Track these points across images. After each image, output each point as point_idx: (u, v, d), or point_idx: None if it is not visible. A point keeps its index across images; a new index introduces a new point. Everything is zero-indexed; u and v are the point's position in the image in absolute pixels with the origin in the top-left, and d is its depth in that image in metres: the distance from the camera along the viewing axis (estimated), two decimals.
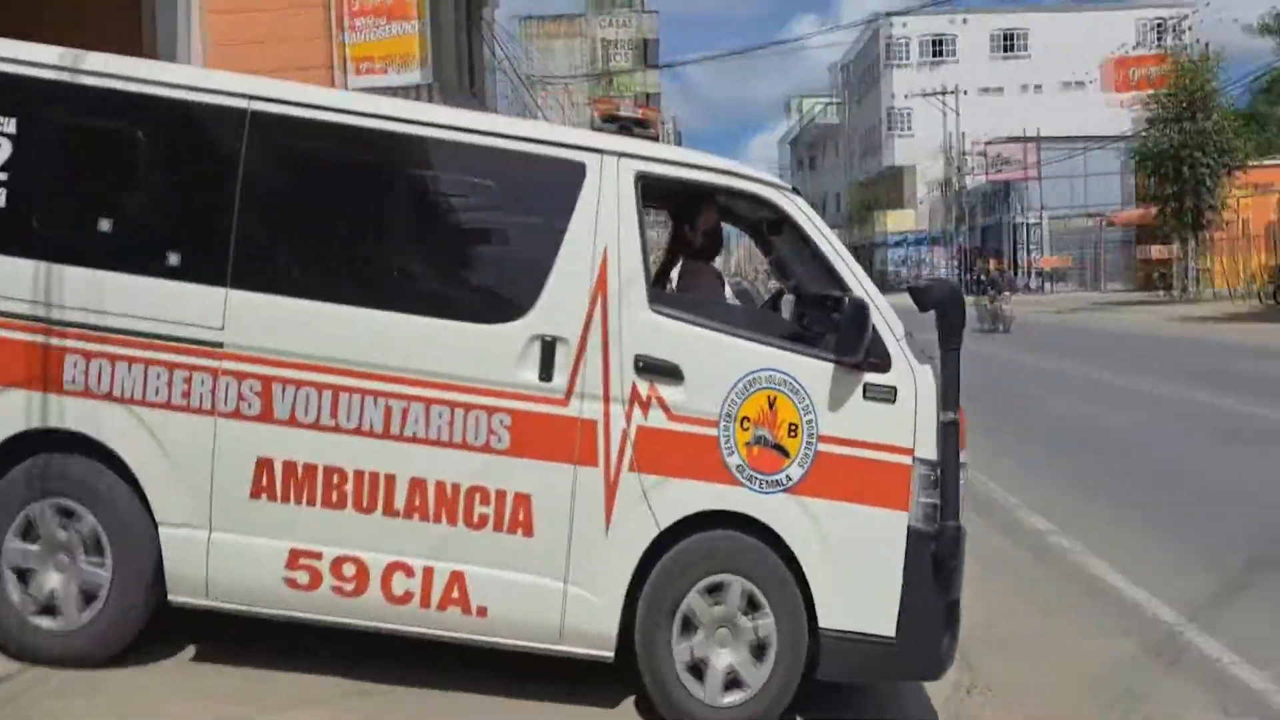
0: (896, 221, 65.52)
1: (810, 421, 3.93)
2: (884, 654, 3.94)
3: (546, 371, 3.92)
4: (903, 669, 4.10)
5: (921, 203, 63.02)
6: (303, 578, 3.94)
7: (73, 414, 3.91)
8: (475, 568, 3.94)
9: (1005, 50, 63.00)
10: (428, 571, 3.93)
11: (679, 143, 66.78)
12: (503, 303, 4.05)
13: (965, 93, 52.00)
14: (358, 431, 3.92)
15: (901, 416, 3.94)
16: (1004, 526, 7.76)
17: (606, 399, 3.94)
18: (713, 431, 3.92)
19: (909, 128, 63.24)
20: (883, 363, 3.94)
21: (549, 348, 3.93)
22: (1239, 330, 21.41)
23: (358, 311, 3.97)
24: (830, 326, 3.96)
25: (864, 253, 72.34)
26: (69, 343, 3.91)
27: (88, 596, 3.97)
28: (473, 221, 4.41)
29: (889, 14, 53.27)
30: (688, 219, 4.76)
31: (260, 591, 3.98)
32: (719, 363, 3.97)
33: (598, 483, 3.93)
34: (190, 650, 4.33)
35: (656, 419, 3.94)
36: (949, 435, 3.91)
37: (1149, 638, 5.34)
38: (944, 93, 49.02)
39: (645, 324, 3.97)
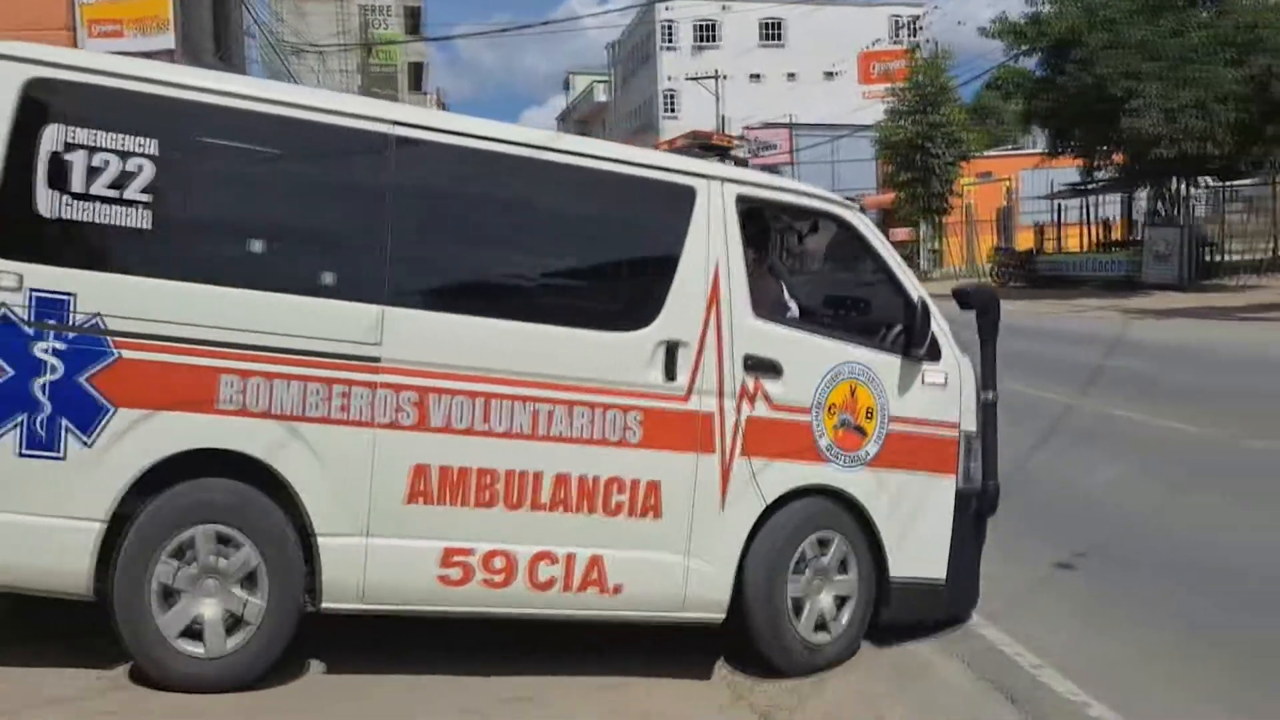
0: None
1: (883, 405, 4.74)
2: (936, 595, 4.88)
3: (670, 372, 4.41)
4: (948, 606, 4.99)
5: None
6: (455, 574, 4.17)
7: (229, 433, 3.94)
8: (612, 551, 4.35)
9: (767, 39, 65.88)
10: (570, 558, 4.30)
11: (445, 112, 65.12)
12: (633, 312, 4.48)
13: (727, 78, 53.95)
14: (507, 434, 4.21)
15: (951, 398, 4.88)
16: None
17: (721, 394, 4.47)
18: (806, 418, 4.61)
19: (677, 110, 65.00)
20: (936, 354, 4.83)
21: (672, 351, 4.43)
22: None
23: (503, 324, 4.27)
24: (868, 324, 5.03)
25: None
26: (223, 363, 3.92)
27: (235, 622, 3.97)
28: (602, 239, 4.78)
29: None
30: (763, 231, 5.19)
31: (414, 591, 4.19)
32: (810, 359, 4.67)
33: (714, 468, 4.46)
34: None
35: (761, 410, 4.54)
36: (989, 412, 4.96)
37: None
38: (709, 77, 50.66)
39: (750, 328, 4.56)
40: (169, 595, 3.92)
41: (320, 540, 4.03)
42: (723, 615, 4.53)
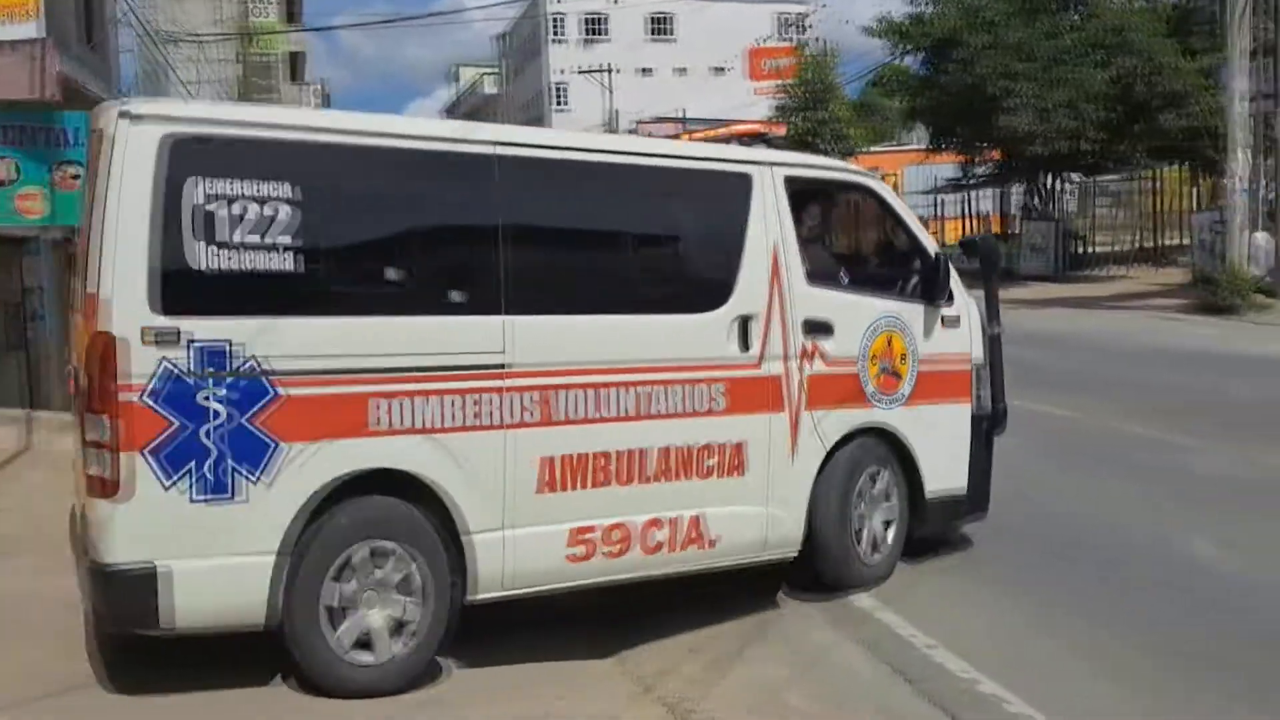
0: None
1: (913, 350, 5.50)
2: (958, 505, 5.79)
3: (745, 343, 4.97)
4: (968, 512, 5.87)
5: None
6: (580, 551, 4.61)
7: (381, 453, 4.18)
8: (709, 509, 4.90)
9: (657, 34, 66.17)
10: (674, 521, 4.81)
11: (327, 105, 63.66)
12: (710, 294, 4.95)
13: (619, 71, 54.06)
14: (616, 419, 4.66)
15: (963, 335, 5.72)
16: None
17: (786, 357, 5.08)
18: (854, 369, 5.31)
19: (567, 103, 64.78)
20: (951, 298, 5.59)
21: (745, 324, 4.97)
22: None
23: (605, 319, 4.71)
24: (894, 277, 5.74)
25: None
26: (371, 388, 4.15)
27: (398, 627, 4.22)
28: (679, 230, 5.21)
29: None
30: (805, 206, 5.56)
31: (547, 572, 4.58)
32: (855, 317, 5.34)
33: (785, 424, 5.09)
34: None
35: (819, 367, 5.18)
36: (995, 344, 5.85)
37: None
38: (599, 70, 50.62)
39: (806, 295, 5.15)
40: (338, 612, 4.12)
41: (468, 539, 4.36)
42: (797, 551, 5.25)
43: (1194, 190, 26.25)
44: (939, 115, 24.45)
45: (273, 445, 3.99)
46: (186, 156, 3.92)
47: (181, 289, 3.90)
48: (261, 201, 4.00)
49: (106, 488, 3.85)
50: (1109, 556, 5.82)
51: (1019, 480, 7.42)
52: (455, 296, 4.41)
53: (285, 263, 4.04)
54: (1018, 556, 5.98)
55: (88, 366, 3.93)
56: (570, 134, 5.37)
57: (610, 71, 50.13)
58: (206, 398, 3.90)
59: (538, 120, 68.97)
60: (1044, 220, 24.62)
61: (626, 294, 4.93)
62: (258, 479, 3.97)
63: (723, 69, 61.12)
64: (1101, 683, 4.37)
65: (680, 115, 48.09)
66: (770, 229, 5.09)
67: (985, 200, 30.12)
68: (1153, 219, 26.58)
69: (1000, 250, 5.27)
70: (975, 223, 30.80)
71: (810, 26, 44.73)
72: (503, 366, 4.41)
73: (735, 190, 5.08)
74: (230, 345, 3.93)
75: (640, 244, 5.18)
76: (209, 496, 3.92)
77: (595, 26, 65.44)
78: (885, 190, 5.88)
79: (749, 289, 5.00)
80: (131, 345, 3.80)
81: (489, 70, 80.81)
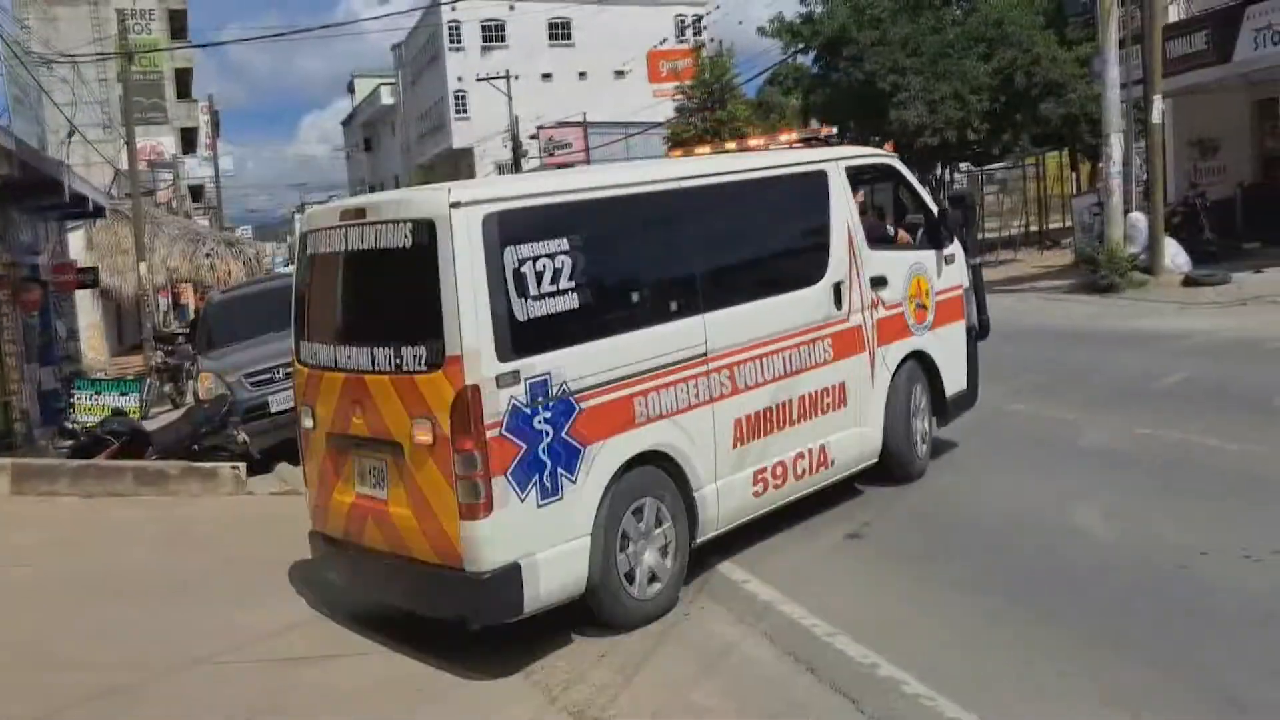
0: None
1: (932, 286, 7.17)
2: (963, 398, 7.60)
3: (839, 304, 6.47)
4: (971, 402, 7.72)
5: None
6: (759, 488, 6.02)
7: (646, 439, 5.36)
8: (829, 438, 6.41)
9: (556, 39, 66.04)
10: (810, 452, 6.30)
11: (215, 121, 61.85)
12: (817, 269, 6.44)
13: (518, 78, 53.78)
14: (773, 379, 6.05)
15: (958, 269, 7.45)
16: None
17: (862, 309, 6.61)
18: (900, 310, 6.93)
19: (466, 111, 64.23)
20: (950, 242, 7.34)
21: (838, 289, 6.47)
22: None
23: (758, 303, 6.04)
24: (911, 229, 7.62)
25: None
26: (634, 389, 5.31)
27: (659, 570, 5.43)
28: (791, 223, 6.68)
29: (438, 2, 53.50)
30: (858, 187, 7.04)
31: (740, 509, 5.96)
32: (898, 269, 6.94)
33: (865, 362, 6.66)
34: None
35: (881, 312, 6.75)
36: (976, 271, 7.72)
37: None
38: (498, 77, 50.30)
39: (869, 257, 6.70)
40: (625, 564, 5.28)
41: (698, 493, 5.63)
42: (876, 459, 6.87)
43: (1074, 175, 27.30)
44: (832, 111, 24.94)
45: (581, 449, 5.08)
46: (501, 229, 4.89)
47: (514, 339, 4.86)
48: (551, 256, 5.04)
49: (479, 510, 4.74)
50: (997, 532, 6.04)
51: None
52: (673, 306, 5.62)
53: (571, 302, 5.09)
54: (910, 539, 6.17)
55: (455, 415, 4.72)
56: (718, 159, 6.79)
57: (509, 78, 49.83)
58: (539, 422, 4.93)
59: (439, 129, 68.34)
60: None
61: (767, 281, 6.28)
62: (574, 479, 5.04)
63: (624, 72, 61.33)
64: (994, 657, 4.53)
65: (582, 120, 48.30)
66: (842, 210, 6.61)
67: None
68: (1038, 204, 27.55)
69: (975, 198, 8.47)
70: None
71: (705, 28, 45.24)
72: (704, 354, 5.68)
73: (818, 184, 6.60)
74: (550, 376, 4.97)
75: (769, 239, 6.48)
76: (547, 500, 4.94)
77: (493, 33, 65.00)
78: (901, 165, 7.63)
79: (838, 260, 6.50)
80: (488, 391, 4.74)
81: (386, 81, 79.66)
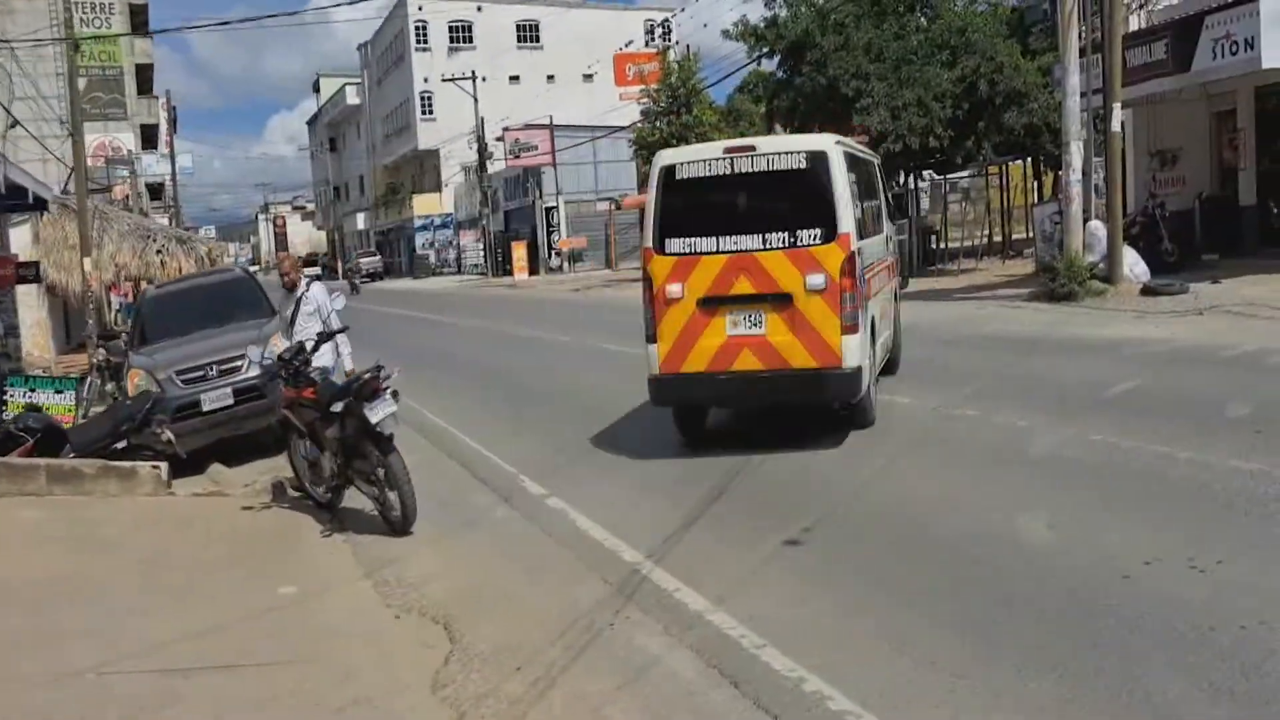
0: (425, 205, 65.74)
1: (894, 250, 11.28)
2: (898, 349, 10.74)
3: (888, 249, 10.44)
4: (898, 359, 10.81)
5: (446, 186, 63.79)
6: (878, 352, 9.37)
7: (874, 306, 9.14)
8: (886, 334, 9.86)
9: (524, 41, 65.67)
10: (887, 338, 9.94)
11: (173, 118, 60.88)
12: (884, 224, 10.43)
13: (485, 79, 53.37)
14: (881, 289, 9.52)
15: (893, 243, 10.95)
16: (502, 491, 8.16)
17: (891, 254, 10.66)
18: (891, 260, 10.97)
19: (432, 112, 63.68)
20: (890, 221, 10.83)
21: (887, 239, 10.63)
22: None
23: (873, 239, 9.22)
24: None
25: (394, 235, 72.13)
26: (872, 273, 9.08)
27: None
28: (875, 190, 10.22)
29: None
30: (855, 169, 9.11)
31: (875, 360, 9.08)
32: (890, 234, 10.85)
33: (894, 284, 10.99)
34: None
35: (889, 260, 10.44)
36: (901, 245, 12.49)
37: (615, 577, 5.87)
38: (463, 78, 49.88)
39: (886, 222, 10.48)
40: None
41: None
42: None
43: (1037, 184, 27.36)
44: (796, 116, 24.81)
45: (866, 302, 8.47)
46: (847, 162, 8.63)
47: (857, 227, 8.35)
48: (855, 184, 8.73)
49: (854, 329, 7.98)
50: (939, 541, 5.79)
51: (857, 471, 7.44)
52: (872, 227, 9.61)
53: (859, 213, 8.72)
54: (850, 547, 5.91)
55: (845, 268, 7.93)
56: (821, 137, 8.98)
57: (476, 79, 49.42)
58: (861, 282, 8.31)
59: (404, 129, 67.74)
60: (900, 217, 25.24)
61: (875, 225, 9.72)
62: (864, 320, 8.35)
63: (592, 76, 61.10)
64: (925, 671, 4.27)
65: (548, 122, 47.99)
66: (845, 184, 8.14)
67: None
68: (1001, 213, 27.58)
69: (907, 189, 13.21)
70: None
71: (670, 30, 45.07)
72: (873, 263, 9.11)
73: (821, 162, 8.13)
74: (862, 254, 8.45)
75: (872, 198, 9.84)
76: (861, 330, 8.15)
77: (460, 34, 64.58)
78: (876, 159, 11.16)
79: (845, 222, 8.03)
80: (857, 256, 8.26)
81: (352, 80, 78.87)
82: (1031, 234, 22.55)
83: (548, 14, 64.89)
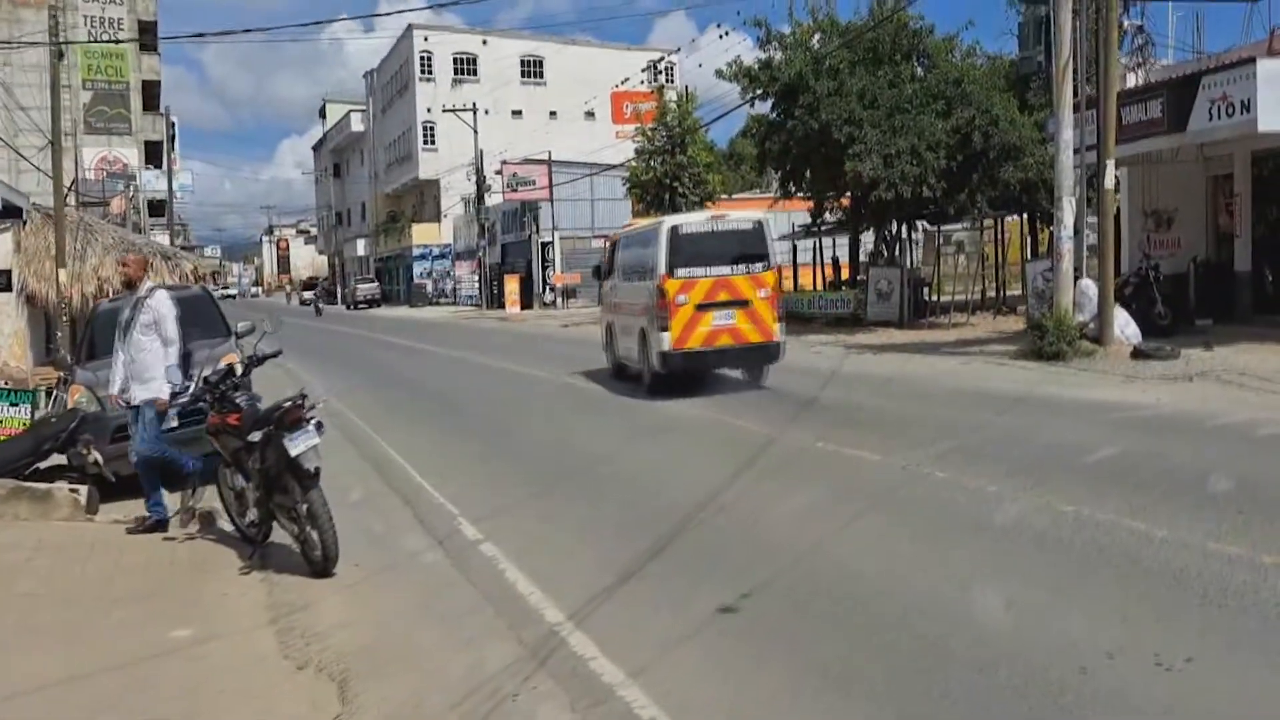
0: (424, 234, 65.65)
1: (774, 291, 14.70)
2: (779, 349, 14.16)
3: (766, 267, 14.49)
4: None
5: (446, 216, 63.71)
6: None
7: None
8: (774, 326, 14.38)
9: (528, 76, 65.91)
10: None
11: (172, 138, 60.82)
12: (765, 263, 14.21)
13: (487, 112, 53.39)
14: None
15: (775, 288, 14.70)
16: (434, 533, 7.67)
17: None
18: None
19: (434, 142, 63.71)
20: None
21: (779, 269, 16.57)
22: None
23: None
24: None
25: (394, 263, 71.89)
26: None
27: None
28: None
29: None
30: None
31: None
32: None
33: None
34: None
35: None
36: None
37: (532, 638, 5.37)
38: (464, 110, 49.84)
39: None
40: None
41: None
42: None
43: (1032, 240, 27.05)
44: (787, 159, 24.54)
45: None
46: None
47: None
48: None
49: (780, 319, 14.14)
50: (885, 616, 5.27)
51: (811, 530, 6.93)
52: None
53: None
54: (787, 617, 5.39)
55: (775, 286, 14.35)
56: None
57: (477, 111, 49.37)
58: None
59: (406, 158, 67.76)
60: (890, 267, 24.91)
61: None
62: None
63: (593, 113, 61.17)
64: None
65: (546, 157, 47.90)
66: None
67: (841, 248, 30.47)
68: (995, 268, 27.23)
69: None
70: (829, 268, 31.11)
71: (673, 72, 45.08)
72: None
73: (764, 230, 14.43)
74: None
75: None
76: (782, 320, 14.67)
77: (465, 66, 64.80)
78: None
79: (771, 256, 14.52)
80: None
81: (357, 107, 79.09)
82: (1025, 291, 22.17)
83: (552, 50, 65.19)
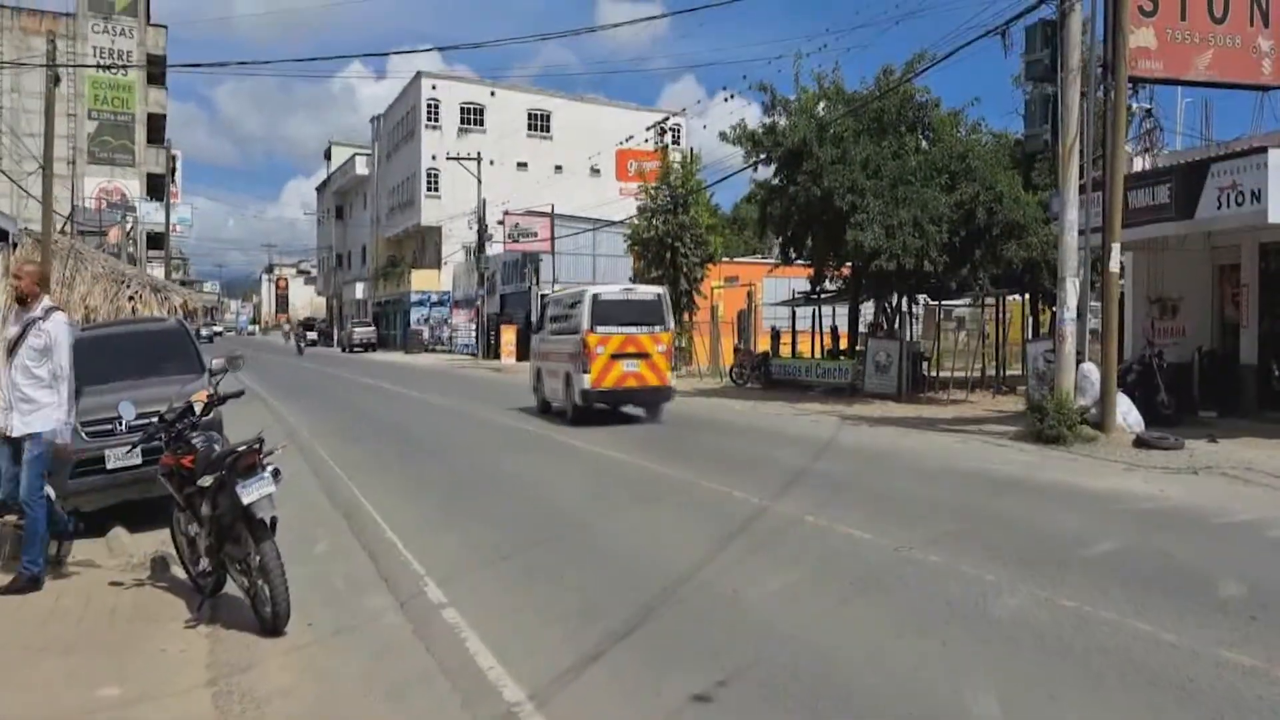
0: (424, 281, 65.60)
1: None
2: (671, 391, 19.20)
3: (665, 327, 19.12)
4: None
5: (446, 263, 63.71)
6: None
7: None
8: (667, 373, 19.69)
9: (535, 130, 66.42)
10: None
11: (172, 171, 61.03)
12: (664, 325, 19.04)
13: (492, 162, 53.60)
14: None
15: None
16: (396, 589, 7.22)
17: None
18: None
19: (437, 189, 63.96)
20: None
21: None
22: (699, 404, 23.51)
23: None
24: None
25: (392, 308, 71.75)
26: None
27: None
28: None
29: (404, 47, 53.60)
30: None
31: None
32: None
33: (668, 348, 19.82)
34: None
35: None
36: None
37: (486, 718, 4.93)
38: (468, 158, 50.01)
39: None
40: None
41: None
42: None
43: (1034, 320, 26.82)
44: (789, 225, 24.39)
45: None
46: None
47: None
48: None
49: (671, 368, 19.71)
50: (870, 714, 4.83)
51: (794, 612, 6.49)
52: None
53: None
54: (765, 710, 4.93)
55: (668, 344, 18.97)
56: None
57: (481, 161, 49.55)
58: None
59: (409, 204, 67.97)
60: (889, 339, 24.65)
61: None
62: None
63: (599, 170, 61.51)
64: None
65: (548, 211, 47.95)
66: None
67: (842, 317, 30.28)
68: (995, 346, 26.99)
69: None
70: (829, 337, 30.88)
71: (679, 133, 45.23)
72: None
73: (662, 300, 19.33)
74: None
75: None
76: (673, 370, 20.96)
77: (472, 117, 65.30)
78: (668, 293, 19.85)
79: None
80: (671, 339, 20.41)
81: (362, 151, 79.59)
82: (1025, 372, 21.86)
83: (559, 105, 65.74)
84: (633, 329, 17.99)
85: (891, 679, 5.31)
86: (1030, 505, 10.38)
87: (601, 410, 18.23)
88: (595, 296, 18.27)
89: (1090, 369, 15.81)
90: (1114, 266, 15.51)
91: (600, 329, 17.82)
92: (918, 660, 5.59)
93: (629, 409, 19.18)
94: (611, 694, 5.20)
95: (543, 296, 25.00)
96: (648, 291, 19.19)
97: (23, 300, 7.49)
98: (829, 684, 5.25)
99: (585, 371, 17.70)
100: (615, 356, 17.76)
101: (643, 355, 17.94)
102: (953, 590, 6.96)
